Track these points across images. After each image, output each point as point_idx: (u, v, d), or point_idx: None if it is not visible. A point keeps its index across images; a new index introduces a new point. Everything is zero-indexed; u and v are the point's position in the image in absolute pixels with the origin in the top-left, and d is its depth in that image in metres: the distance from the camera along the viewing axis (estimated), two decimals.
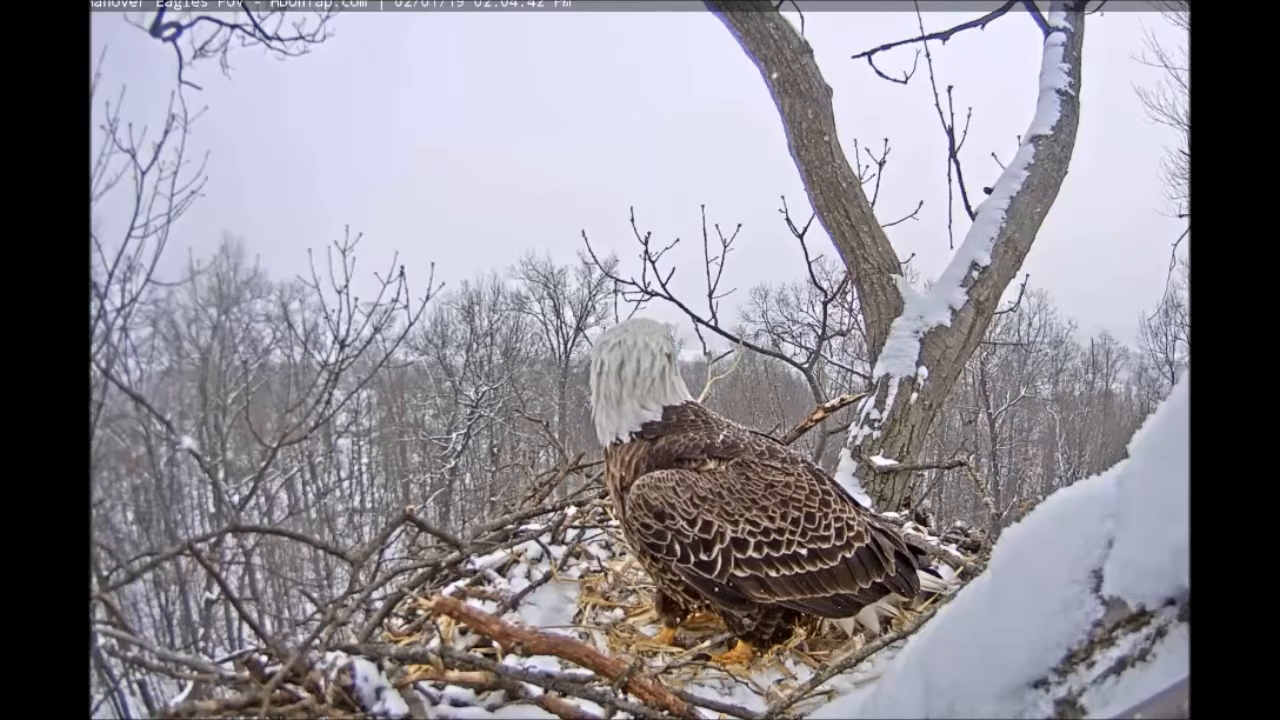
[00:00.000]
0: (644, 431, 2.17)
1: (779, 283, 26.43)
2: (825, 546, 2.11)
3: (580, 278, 28.10)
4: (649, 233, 4.75)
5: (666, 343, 2.22)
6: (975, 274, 4.23)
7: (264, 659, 1.58)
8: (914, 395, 4.01)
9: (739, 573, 2.04)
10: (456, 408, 25.87)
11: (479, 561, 2.54)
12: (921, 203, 4.69)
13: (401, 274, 7.54)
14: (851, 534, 2.16)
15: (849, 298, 5.84)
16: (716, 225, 4.93)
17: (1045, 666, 0.96)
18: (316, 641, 1.75)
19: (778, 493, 2.10)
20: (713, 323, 4.88)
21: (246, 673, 1.56)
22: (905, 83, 4.58)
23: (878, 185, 4.54)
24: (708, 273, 4.96)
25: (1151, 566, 0.89)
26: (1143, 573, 0.90)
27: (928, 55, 4.55)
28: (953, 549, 2.72)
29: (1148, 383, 27.40)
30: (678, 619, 2.29)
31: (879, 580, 2.18)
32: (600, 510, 2.94)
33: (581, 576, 2.57)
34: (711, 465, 2.11)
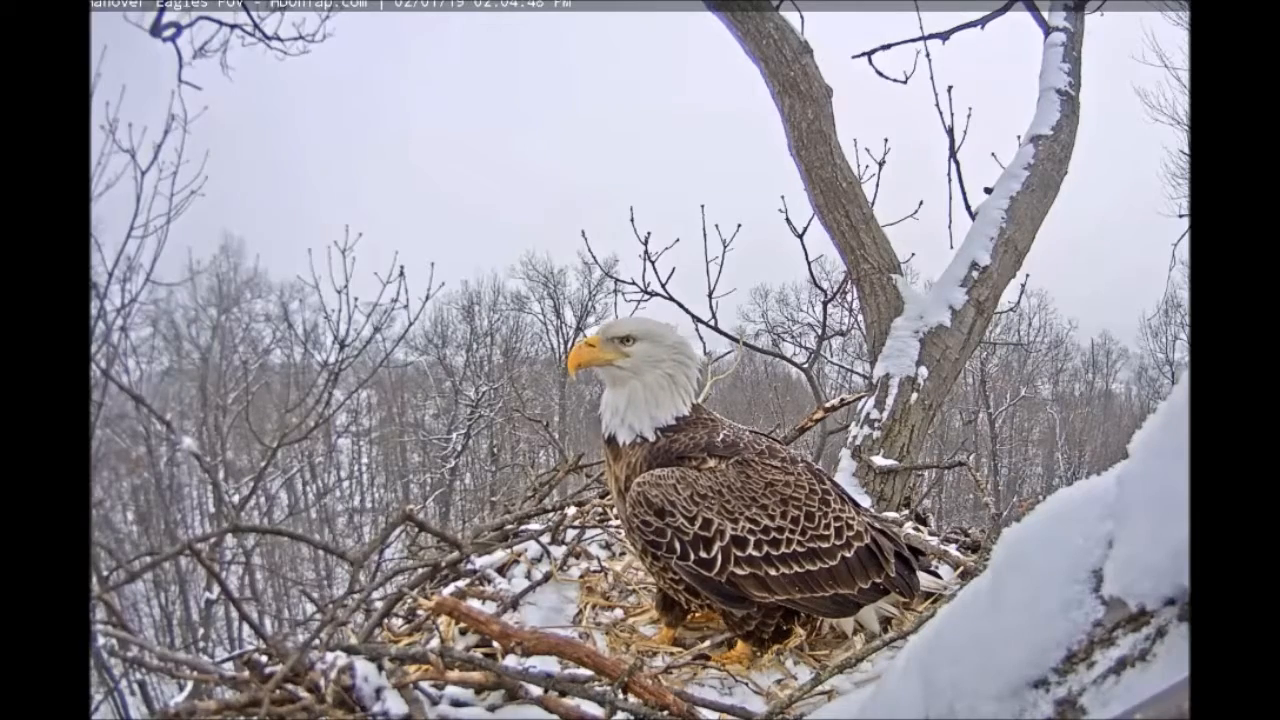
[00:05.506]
0: (664, 430, 2.18)
1: (779, 283, 26.49)
2: (825, 546, 2.11)
3: (580, 278, 28.14)
4: (649, 233, 4.75)
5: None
6: (975, 274, 4.22)
7: (264, 659, 1.58)
8: (914, 395, 4.01)
9: (738, 571, 2.04)
10: (456, 408, 25.84)
11: (479, 561, 2.54)
12: (921, 203, 4.68)
13: (401, 274, 7.55)
14: (851, 534, 2.17)
15: (849, 298, 5.83)
16: (716, 225, 4.93)
17: (1045, 666, 0.96)
18: (316, 641, 1.76)
19: (777, 491, 2.10)
20: (713, 323, 4.88)
21: (246, 673, 1.56)
22: (905, 83, 4.58)
23: (878, 185, 4.54)
24: (708, 273, 4.95)
25: (1151, 566, 0.89)
26: (1143, 573, 0.90)
27: (928, 55, 4.56)
28: (953, 549, 2.72)
29: (1148, 383, 27.44)
30: (678, 619, 2.30)
31: (878, 580, 2.18)
32: (600, 510, 2.94)
33: (581, 576, 2.57)
34: (712, 463, 2.11)
